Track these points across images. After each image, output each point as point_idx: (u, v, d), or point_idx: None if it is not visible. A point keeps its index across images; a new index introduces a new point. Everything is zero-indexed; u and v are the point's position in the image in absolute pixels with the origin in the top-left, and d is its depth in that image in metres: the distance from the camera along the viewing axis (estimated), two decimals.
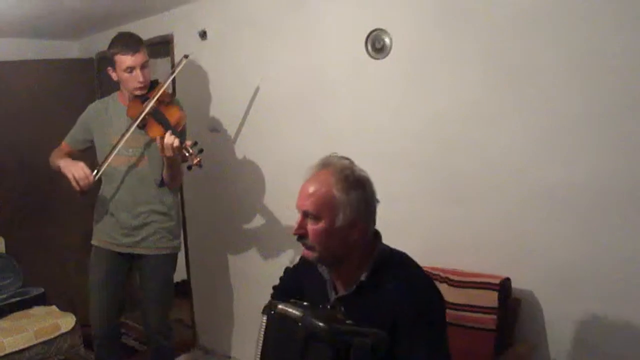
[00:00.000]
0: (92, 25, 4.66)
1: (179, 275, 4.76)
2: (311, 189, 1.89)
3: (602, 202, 2.38)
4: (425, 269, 2.71)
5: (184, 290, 4.80)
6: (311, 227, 1.89)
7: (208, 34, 4.01)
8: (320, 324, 1.70)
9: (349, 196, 1.85)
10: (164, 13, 4.30)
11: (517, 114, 2.57)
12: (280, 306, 1.91)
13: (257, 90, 3.72)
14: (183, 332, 4.70)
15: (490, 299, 2.53)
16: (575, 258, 2.47)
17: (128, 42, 3.16)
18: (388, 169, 3.04)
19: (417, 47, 2.88)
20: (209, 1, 3.94)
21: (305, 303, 1.92)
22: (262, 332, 1.96)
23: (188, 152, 2.96)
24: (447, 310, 2.59)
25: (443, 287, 2.67)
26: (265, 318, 1.97)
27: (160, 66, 5.10)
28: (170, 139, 2.95)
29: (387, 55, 3.00)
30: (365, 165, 2.78)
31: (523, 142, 2.57)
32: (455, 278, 2.68)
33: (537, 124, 2.52)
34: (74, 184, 3.11)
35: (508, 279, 2.56)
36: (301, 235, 1.93)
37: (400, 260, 1.98)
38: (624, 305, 2.36)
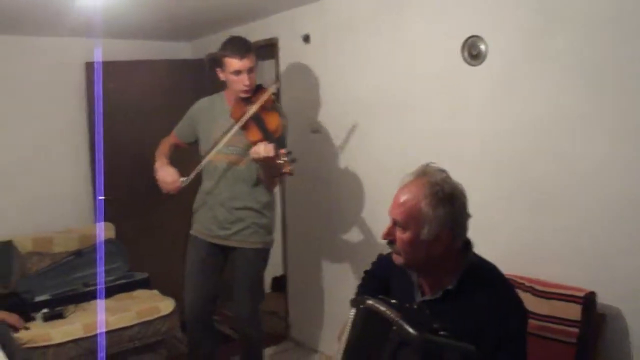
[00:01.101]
0: (204, 28, 4.91)
1: (277, 270, 4.95)
2: (402, 199, 1.93)
3: None
4: (510, 276, 2.71)
5: (280, 284, 4.96)
6: (399, 235, 1.94)
7: (311, 37, 4.14)
8: (414, 332, 1.67)
9: (435, 212, 1.86)
10: (270, 17, 4.47)
11: (608, 121, 2.52)
12: (369, 302, 1.93)
13: (358, 93, 3.80)
14: (276, 324, 4.87)
15: (574, 311, 2.49)
16: None
17: (238, 46, 3.31)
18: (473, 174, 3.04)
19: (512, 53, 2.87)
20: (312, 7, 4.07)
21: (393, 301, 1.92)
22: (349, 325, 2.00)
23: (281, 160, 3.06)
24: (530, 320, 2.60)
25: (527, 296, 2.64)
26: (353, 311, 2.01)
27: (266, 68, 5.29)
28: (262, 147, 3.08)
29: (482, 61, 3.00)
30: (455, 170, 2.83)
31: (613, 150, 2.51)
32: (540, 288, 2.65)
33: (622, 134, 2.46)
34: (161, 186, 3.38)
35: (593, 293, 2.50)
36: (390, 240, 1.99)
37: (488, 272, 1.99)
38: None
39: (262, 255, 3.61)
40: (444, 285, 1.94)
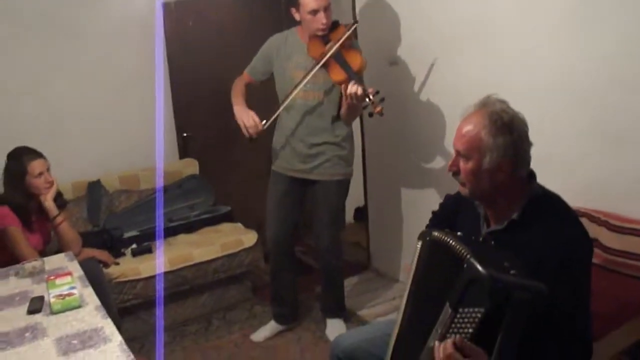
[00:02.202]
0: None
1: (360, 200, 4.99)
2: (464, 129, 1.94)
3: None
4: (585, 210, 2.69)
5: (363, 215, 5.01)
6: (462, 165, 1.96)
7: None
8: (483, 271, 1.65)
9: (496, 140, 1.87)
10: None
11: None
12: (435, 234, 1.95)
13: (436, 22, 3.70)
14: (359, 255, 4.93)
15: None
16: None
17: None
18: (553, 104, 2.95)
19: None
20: None
21: (459, 234, 1.93)
22: (416, 258, 2.03)
23: (370, 100, 3.07)
24: (603, 254, 2.56)
25: (601, 230, 2.59)
26: (419, 244, 2.04)
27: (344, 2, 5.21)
28: (354, 88, 3.07)
29: None
30: (532, 101, 2.75)
31: None
32: (615, 222, 2.57)
33: None
34: (244, 131, 3.38)
35: None
36: (454, 172, 2.00)
37: (553, 203, 1.97)
38: None
39: (343, 186, 3.66)
40: (509, 216, 1.94)
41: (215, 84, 4.67)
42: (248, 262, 4.24)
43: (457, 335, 1.67)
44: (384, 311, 4.01)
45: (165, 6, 4.67)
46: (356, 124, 4.33)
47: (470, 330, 1.66)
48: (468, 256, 1.72)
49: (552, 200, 1.98)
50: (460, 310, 1.69)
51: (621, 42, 2.59)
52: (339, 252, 3.80)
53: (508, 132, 1.88)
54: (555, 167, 2.92)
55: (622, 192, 2.68)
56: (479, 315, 1.64)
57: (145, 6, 4.62)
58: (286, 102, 3.36)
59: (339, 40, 3.24)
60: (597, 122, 2.77)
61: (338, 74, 3.27)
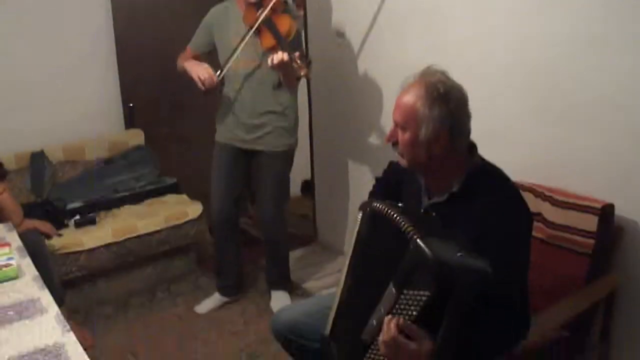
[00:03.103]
0: None
1: (307, 173, 5.01)
2: (402, 100, 1.96)
3: None
4: (530, 185, 2.74)
5: (309, 188, 5.03)
6: (400, 136, 1.98)
7: None
8: (431, 255, 1.61)
9: (432, 111, 1.88)
10: None
11: (627, 38, 2.41)
12: (376, 204, 1.94)
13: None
14: (305, 227, 4.97)
15: (590, 222, 2.47)
16: None
17: None
18: (499, 83, 3.01)
19: None
20: None
21: (400, 205, 1.93)
22: (357, 229, 2.04)
23: (297, 63, 3.10)
24: (546, 229, 2.61)
25: (545, 205, 2.65)
26: (360, 215, 2.04)
27: None
28: (279, 55, 3.09)
29: None
30: (476, 79, 2.76)
31: (632, 65, 2.42)
32: (558, 197, 2.62)
33: None
34: (199, 84, 3.35)
35: (611, 205, 2.46)
36: (393, 143, 2.03)
37: (493, 176, 2.00)
38: None
39: (287, 157, 3.70)
40: (449, 188, 1.97)
41: (162, 54, 4.60)
42: (193, 234, 4.23)
43: (401, 318, 1.67)
44: (329, 284, 4.06)
45: None
46: (304, 97, 4.35)
47: (414, 313, 1.66)
48: (415, 236, 1.68)
49: (492, 173, 2.01)
50: (405, 291, 1.68)
51: (572, 25, 2.64)
52: (282, 224, 3.82)
53: (444, 103, 1.89)
54: (505, 142, 2.99)
55: (568, 168, 2.75)
56: (423, 298, 1.63)
57: None
58: (226, 67, 3.37)
59: (268, 6, 3.26)
60: (546, 100, 2.82)
61: (268, 41, 3.29)
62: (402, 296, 1.68)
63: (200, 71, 3.35)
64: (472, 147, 2.03)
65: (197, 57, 3.60)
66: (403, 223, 1.75)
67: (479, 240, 1.77)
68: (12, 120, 4.26)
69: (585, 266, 2.46)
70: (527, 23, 2.83)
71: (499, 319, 1.78)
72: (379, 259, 1.91)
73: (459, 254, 1.64)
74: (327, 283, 4.09)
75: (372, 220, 1.97)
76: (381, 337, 1.71)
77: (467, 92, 1.96)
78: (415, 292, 1.65)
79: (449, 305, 1.60)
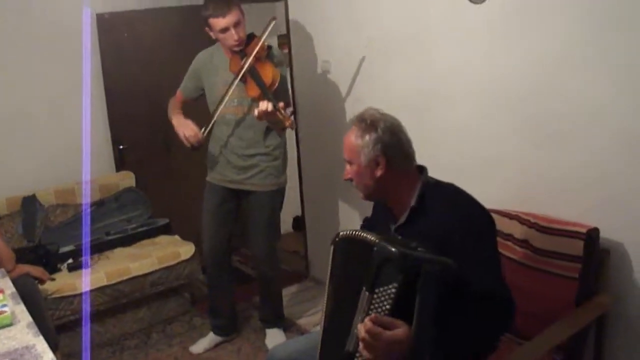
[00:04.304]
0: None
1: (298, 209, 5.04)
2: (344, 140, 2.21)
3: None
4: (516, 212, 2.79)
5: (300, 224, 5.06)
6: (350, 170, 2.22)
7: None
8: (393, 249, 1.80)
9: (364, 140, 2.12)
10: None
11: (606, 60, 2.48)
12: (342, 234, 2.13)
13: (367, 32, 3.77)
14: (298, 264, 5.00)
15: (576, 247, 2.51)
16: None
17: (218, 4, 3.29)
18: (480, 112, 3.08)
19: None
20: None
21: (366, 231, 2.06)
22: (330, 260, 2.17)
23: (281, 114, 3.15)
24: (534, 255, 2.65)
25: (531, 232, 2.69)
26: (332, 248, 2.17)
27: (278, 9, 5.26)
28: (263, 105, 3.14)
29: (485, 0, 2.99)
30: (466, 107, 2.99)
31: (612, 89, 2.49)
32: (544, 224, 2.67)
33: (627, 72, 2.43)
34: (185, 142, 3.42)
35: (596, 229, 2.51)
36: (349, 179, 2.24)
37: (446, 189, 2.18)
38: None
39: (277, 196, 3.71)
40: (408, 206, 2.15)
41: (151, 95, 4.67)
42: (186, 274, 4.24)
43: (374, 313, 1.81)
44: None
45: (100, 17, 4.65)
46: (291, 134, 4.40)
47: (388, 306, 1.80)
48: (377, 241, 1.88)
49: (445, 186, 2.20)
50: (376, 290, 1.83)
51: (556, 48, 2.71)
52: (275, 262, 3.83)
53: (373, 130, 2.12)
54: (488, 170, 3.08)
55: (552, 193, 2.80)
56: (393, 290, 1.78)
57: (79, 18, 4.59)
58: (215, 117, 3.42)
59: (251, 55, 3.30)
60: (530, 126, 2.88)
61: (253, 90, 3.33)
62: (375, 295, 1.83)
63: (185, 130, 3.42)
64: (422, 168, 2.23)
65: (188, 102, 3.67)
66: (366, 236, 1.95)
67: (446, 245, 1.93)
68: (2, 165, 4.30)
69: (574, 290, 2.51)
70: (511, 48, 2.90)
71: (484, 311, 1.92)
72: (353, 280, 2.00)
73: (419, 249, 1.83)
74: (321, 319, 4.08)
75: (343, 248, 2.13)
76: (361, 335, 1.81)
77: (400, 121, 2.20)
78: (385, 288, 1.81)
79: (418, 293, 1.74)
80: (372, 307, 1.84)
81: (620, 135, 2.50)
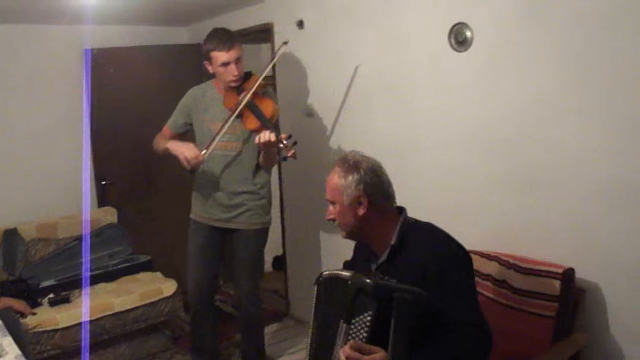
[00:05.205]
0: (200, 13, 4.96)
1: (278, 249, 5.06)
2: (327, 181, 2.30)
3: None
4: (496, 254, 2.87)
5: (281, 263, 5.08)
6: (333, 210, 2.29)
7: (305, 23, 4.19)
8: (367, 280, 1.93)
9: (347, 180, 2.21)
10: (265, 2, 4.52)
11: (587, 110, 2.60)
12: (325, 273, 2.22)
13: (351, 77, 3.86)
14: (278, 302, 5.00)
15: (553, 287, 2.60)
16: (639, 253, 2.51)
17: (223, 39, 3.37)
18: (461, 157, 3.18)
19: (496, 41, 2.93)
20: None
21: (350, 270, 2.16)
22: (314, 300, 2.23)
23: (283, 144, 3.19)
24: (512, 295, 2.73)
25: (510, 273, 2.77)
26: (315, 287, 2.25)
27: (263, 52, 5.36)
28: (266, 134, 3.19)
29: (468, 48, 3.07)
30: (447, 153, 3.06)
31: (591, 136, 2.60)
32: (523, 265, 2.75)
33: (604, 122, 2.54)
34: (184, 163, 3.40)
35: (572, 269, 2.60)
36: (332, 219, 2.31)
37: (424, 228, 2.27)
38: None
39: (262, 235, 3.74)
40: (389, 245, 2.22)
41: (135, 132, 4.72)
42: (168, 311, 4.23)
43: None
44: (304, 357, 4.04)
45: (86, 54, 4.70)
46: (274, 174, 4.44)
47: (365, 334, 1.90)
48: (352, 275, 2.01)
49: (424, 225, 2.28)
50: (353, 320, 1.93)
51: (528, 101, 2.84)
52: (258, 300, 3.84)
53: (356, 170, 2.22)
54: (468, 213, 3.16)
55: (531, 236, 2.90)
56: (369, 318, 1.89)
57: (67, 53, 4.65)
58: (211, 147, 3.41)
59: (250, 90, 3.36)
60: (506, 172, 2.99)
61: (252, 123, 3.39)
62: (352, 325, 1.94)
63: (185, 151, 3.40)
64: (401, 209, 2.32)
65: (175, 137, 3.69)
66: (345, 274, 2.07)
67: (423, 279, 2.04)
68: None
69: (551, 328, 2.59)
70: (494, 96, 3.01)
71: (461, 340, 1.99)
72: (335, 315, 2.07)
73: (392, 281, 2.00)
74: (301, 357, 4.09)
75: (325, 287, 2.21)
76: None
77: (381, 163, 2.30)
78: (362, 317, 1.91)
79: (392, 320, 1.85)
80: (350, 336, 1.93)
81: (599, 184, 2.61)
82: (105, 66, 4.78)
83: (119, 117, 4.86)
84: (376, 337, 1.89)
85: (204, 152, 3.39)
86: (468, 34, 3.05)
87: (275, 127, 3.36)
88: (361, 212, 2.21)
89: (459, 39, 3.10)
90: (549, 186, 2.80)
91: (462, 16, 3.07)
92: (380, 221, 2.24)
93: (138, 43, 5.04)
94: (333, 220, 2.30)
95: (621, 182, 2.52)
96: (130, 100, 4.90)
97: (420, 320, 1.92)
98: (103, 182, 4.85)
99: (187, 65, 5.08)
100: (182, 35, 5.55)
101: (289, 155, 3.21)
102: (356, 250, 2.53)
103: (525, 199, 2.91)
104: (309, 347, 2.25)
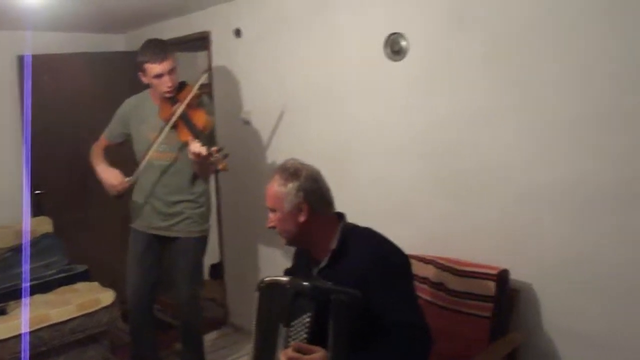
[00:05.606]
0: (137, 20, 4.95)
1: (215, 257, 5.06)
2: (267, 189, 2.34)
3: (590, 202, 2.56)
4: (432, 257, 2.99)
5: (218, 271, 5.08)
6: (273, 218, 2.33)
7: (242, 32, 4.24)
8: (305, 283, 2.02)
9: (287, 187, 2.26)
10: (203, 11, 4.56)
11: (515, 117, 2.75)
12: (266, 279, 2.27)
13: (288, 85, 3.95)
14: (216, 310, 5.02)
15: (488, 288, 2.73)
16: (569, 254, 2.65)
17: (156, 51, 3.40)
18: (397, 163, 3.30)
19: (429, 51, 3.07)
20: (244, 1, 4.19)
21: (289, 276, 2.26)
22: (256, 306, 2.28)
23: (214, 157, 3.23)
24: (448, 297, 2.83)
25: (446, 275, 2.89)
26: (257, 294, 2.29)
27: (199, 59, 5.37)
28: (197, 147, 3.22)
29: (404, 57, 3.19)
30: (383, 160, 3.18)
31: (519, 143, 2.76)
32: (458, 267, 2.88)
33: (533, 128, 2.70)
34: (109, 189, 3.45)
35: (506, 271, 2.75)
36: (273, 227, 2.36)
37: (363, 233, 2.35)
38: (621, 299, 2.52)
39: (201, 243, 3.77)
40: (329, 249, 2.30)
41: (71, 140, 4.66)
42: (106, 321, 4.16)
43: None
44: None
45: (20, 60, 4.63)
46: (211, 182, 4.46)
47: (305, 335, 1.98)
48: (290, 280, 2.11)
49: (363, 230, 2.36)
50: (292, 323, 2.02)
51: (460, 110, 2.98)
52: (198, 308, 3.88)
53: (295, 178, 2.27)
54: (404, 218, 3.27)
55: (466, 239, 3.03)
56: (307, 319, 1.98)
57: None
58: (144, 163, 3.46)
59: (184, 102, 3.39)
60: (440, 178, 3.12)
61: (184, 135, 3.42)
62: (292, 328, 2.03)
63: (110, 178, 3.46)
64: (341, 215, 2.40)
65: (112, 147, 3.71)
66: (284, 279, 2.17)
67: (363, 281, 2.10)
68: None
69: (487, 328, 2.72)
70: (427, 104, 3.14)
71: (400, 339, 2.06)
72: (276, 322, 2.13)
73: (329, 283, 2.06)
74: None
75: (266, 293, 2.26)
76: None
77: (319, 170, 2.38)
78: (300, 319, 2.00)
79: (330, 320, 1.95)
80: (290, 339, 2.01)
81: (529, 187, 2.75)
82: (40, 73, 4.70)
83: (54, 124, 4.78)
84: (316, 337, 1.96)
85: (128, 179, 3.44)
86: (403, 43, 3.17)
87: (208, 139, 3.41)
88: (302, 218, 2.27)
89: (395, 48, 3.21)
90: (482, 191, 2.94)
91: (397, 26, 3.20)
92: (321, 227, 2.31)
93: (75, 50, 4.98)
94: (274, 227, 2.35)
95: (550, 185, 2.66)
96: (66, 108, 4.84)
97: (359, 320, 2.00)
98: (37, 192, 4.76)
99: (124, 73, 5.00)
100: (119, 43, 5.51)
101: (220, 168, 3.26)
102: (296, 257, 2.58)
103: (459, 204, 3.03)
104: (252, 353, 2.28)
